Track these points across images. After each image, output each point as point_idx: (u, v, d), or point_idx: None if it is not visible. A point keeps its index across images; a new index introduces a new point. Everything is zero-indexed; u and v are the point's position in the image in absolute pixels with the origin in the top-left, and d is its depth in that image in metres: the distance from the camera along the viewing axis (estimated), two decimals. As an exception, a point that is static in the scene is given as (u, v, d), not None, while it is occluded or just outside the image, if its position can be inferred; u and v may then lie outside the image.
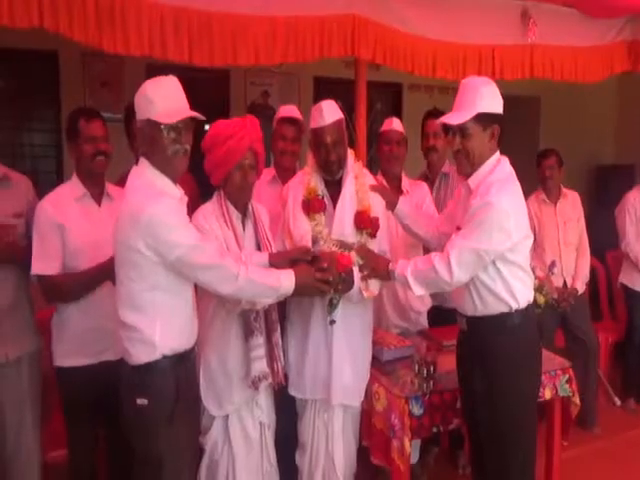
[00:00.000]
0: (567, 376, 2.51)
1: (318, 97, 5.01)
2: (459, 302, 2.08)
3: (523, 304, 1.99)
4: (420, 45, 3.19)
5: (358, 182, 2.29)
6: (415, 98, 5.43)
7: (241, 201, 2.14)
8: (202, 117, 1.79)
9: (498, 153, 2.02)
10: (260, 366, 2.07)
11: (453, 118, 1.96)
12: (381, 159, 2.92)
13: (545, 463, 2.60)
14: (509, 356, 1.97)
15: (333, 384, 2.25)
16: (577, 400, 2.55)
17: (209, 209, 2.13)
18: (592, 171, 6.21)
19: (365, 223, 2.24)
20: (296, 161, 2.82)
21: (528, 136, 5.91)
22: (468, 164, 2.00)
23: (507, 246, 1.90)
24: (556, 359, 2.61)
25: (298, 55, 2.83)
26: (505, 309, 1.97)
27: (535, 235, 3.53)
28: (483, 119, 1.93)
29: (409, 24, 3.14)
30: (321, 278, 1.96)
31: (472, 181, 2.00)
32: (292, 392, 2.34)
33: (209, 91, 4.61)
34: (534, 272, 2.70)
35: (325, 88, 4.96)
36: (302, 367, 2.30)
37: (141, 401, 1.73)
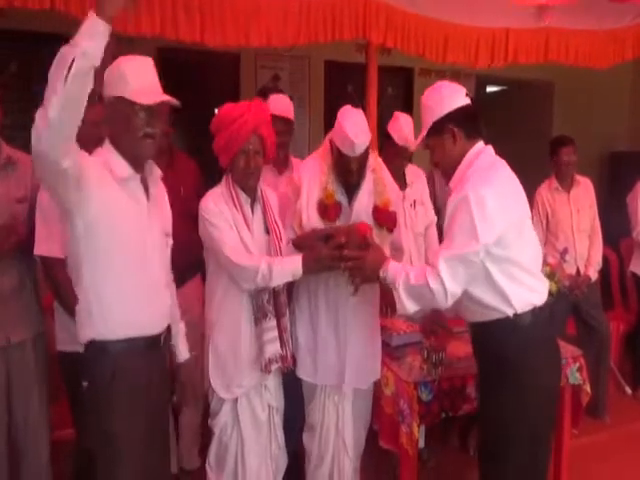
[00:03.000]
0: (578, 364, 2.50)
1: (329, 81, 4.99)
2: (457, 308, 1.95)
3: (525, 308, 1.82)
4: (432, 28, 3.14)
5: (376, 175, 2.24)
6: (426, 83, 5.31)
7: (248, 185, 2.12)
8: (177, 103, 1.68)
9: (477, 145, 1.88)
10: (274, 348, 2.07)
11: (415, 143, 2.00)
12: (388, 158, 2.78)
13: (554, 451, 2.60)
14: (518, 363, 1.82)
15: (347, 371, 2.23)
16: (588, 388, 2.54)
17: (218, 193, 2.12)
18: (606, 157, 6.13)
19: (384, 219, 2.20)
20: (287, 150, 2.79)
21: (541, 121, 5.84)
22: (444, 172, 1.95)
23: (495, 235, 1.72)
24: (567, 347, 2.58)
25: (310, 37, 2.81)
26: (503, 315, 1.82)
27: (548, 223, 3.51)
28: (436, 128, 1.88)
29: (421, 6, 3.10)
30: (332, 255, 1.94)
31: (452, 182, 1.90)
32: (303, 376, 2.31)
33: (219, 75, 4.59)
34: (545, 259, 2.69)
35: (336, 72, 4.92)
36: (314, 352, 2.27)
37: (84, 383, 1.69)
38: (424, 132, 1.92)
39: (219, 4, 2.55)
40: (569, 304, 3.43)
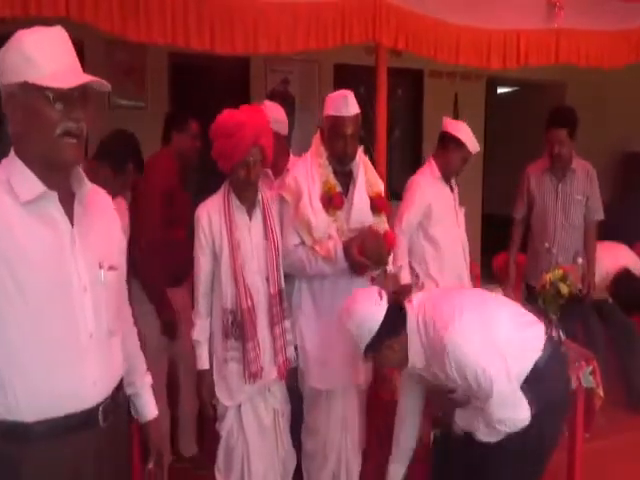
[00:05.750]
0: (591, 367, 2.48)
1: (338, 84, 4.99)
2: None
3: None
4: (443, 30, 3.14)
5: (366, 166, 2.33)
6: (436, 85, 5.36)
7: (245, 195, 2.12)
8: (106, 85, 1.23)
9: None
10: (232, 367, 2.10)
11: None
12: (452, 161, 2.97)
13: (568, 455, 2.58)
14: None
15: (360, 369, 2.27)
16: (601, 392, 2.51)
17: (215, 200, 2.14)
18: (619, 158, 6.08)
19: (382, 205, 2.30)
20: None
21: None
22: None
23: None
24: (580, 350, 2.57)
25: (319, 42, 2.81)
26: None
27: None
28: None
29: (431, 8, 3.09)
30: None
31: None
32: (314, 384, 2.29)
33: (229, 79, 4.62)
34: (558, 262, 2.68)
35: (346, 75, 4.92)
36: (324, 358, 2.25)
37: None
38: None
39: (228, 12, 2.58)
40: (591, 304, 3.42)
